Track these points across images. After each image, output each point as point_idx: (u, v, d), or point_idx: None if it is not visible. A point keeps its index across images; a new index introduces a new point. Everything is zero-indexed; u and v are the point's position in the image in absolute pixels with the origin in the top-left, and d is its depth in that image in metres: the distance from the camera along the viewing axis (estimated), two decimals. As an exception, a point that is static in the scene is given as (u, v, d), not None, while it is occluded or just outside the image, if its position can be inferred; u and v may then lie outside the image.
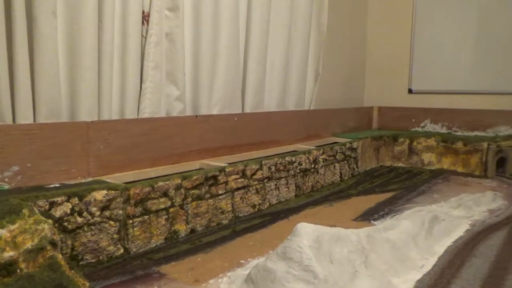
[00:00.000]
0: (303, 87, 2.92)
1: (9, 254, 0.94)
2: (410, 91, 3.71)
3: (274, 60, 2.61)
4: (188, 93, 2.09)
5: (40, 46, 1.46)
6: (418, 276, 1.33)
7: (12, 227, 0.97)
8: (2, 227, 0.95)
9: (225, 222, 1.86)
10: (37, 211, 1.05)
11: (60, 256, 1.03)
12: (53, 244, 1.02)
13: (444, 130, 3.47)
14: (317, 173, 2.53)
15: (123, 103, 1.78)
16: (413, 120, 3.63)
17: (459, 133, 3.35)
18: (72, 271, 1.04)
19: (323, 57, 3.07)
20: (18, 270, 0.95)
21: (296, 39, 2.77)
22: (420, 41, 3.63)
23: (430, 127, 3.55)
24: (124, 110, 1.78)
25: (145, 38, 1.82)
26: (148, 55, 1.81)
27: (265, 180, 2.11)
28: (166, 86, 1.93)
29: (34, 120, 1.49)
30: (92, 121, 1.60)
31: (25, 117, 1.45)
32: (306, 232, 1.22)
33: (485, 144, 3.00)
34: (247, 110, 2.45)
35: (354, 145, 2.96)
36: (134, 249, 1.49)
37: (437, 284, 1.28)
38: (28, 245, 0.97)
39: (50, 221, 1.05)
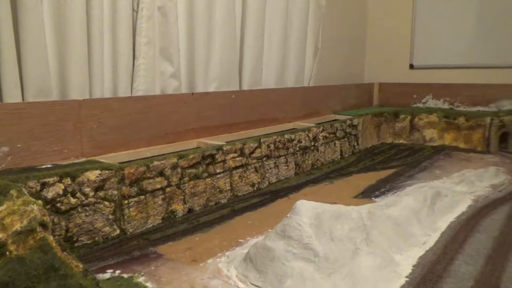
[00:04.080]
0: (302, 63, 2.85)
1: (-3, 236, 0.90)
2: (411, 66, 3.63)
3: (272, 35, 2.53)
4: (183, 70, 2.02)
5: (25, 20, 1.39)
6: (421, 252, 1.31)
7: (-1, 208, 0.93)
8: (-11, 209, 0.91)
9: (223, 201, 1.83)
10: (25, 192, 1.01)
11: (51, 238, 0.99)
12: (44, 225, 0.98)
13: (446, 106, 3.41)
14: (317, 150, 2.49)
15: (116, 80, 1.72)
16: (415, 96, 3.56)
17: (461, 109, 3.29)
18: (65, 253, 1.00)
19: (322, 32, 2.98)
20: (8, 253, 0.91)
21: (295, 13, 2.68)
22: (421, 15, 3.53)
23: (431, 102, 3.48)
24: (117, 88, 1.73)
25: (137, 12, 1.75)
26: (140, 30, 1.74)
27: (264, 159, 2.07)
28: (160, 63, 1.86)
29: (23, 99, 1.44)
30: (83, 100, 1.54)
31: (13, 96, 1.39)
32: (306, 210, 1.18)
33: (487, 119, 2.94)
34: (245, 87, 2.39)
35: (355, 122, 2.91)
36: (130, 230, 1.47)
37: (440, 260, 1.25)
38: (17, 226, 0.94)
39: (39, 202, 1.01)
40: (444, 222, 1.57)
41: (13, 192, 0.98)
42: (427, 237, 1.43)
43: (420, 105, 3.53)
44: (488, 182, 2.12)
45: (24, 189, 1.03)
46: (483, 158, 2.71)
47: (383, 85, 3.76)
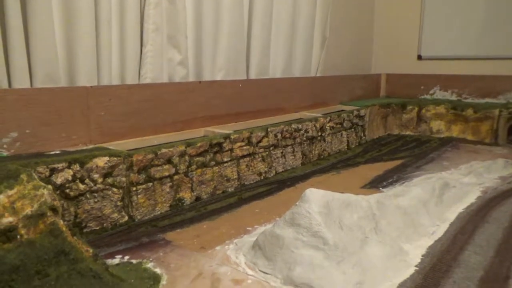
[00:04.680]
0: (310, 53, 2.82)
1: (8, 219, 0.90)
2: (419, 57, 3.59)
3: (280, 24, 2.50)
4: (191, 58, 2.01)
5: (33, 6, 1.38)
6: (430, 242, 1.30)
7: (10, 192, 0.93)
8: (0, 192, 0.91)
9: (230, 190, 1.83)
10: (36, 177, 1.01)
11: (61, 222, 0.99)
12: (54, 210, 0.98)
13: (454, 97, 3.38)
14: (324, 141, 2.48)
15: (123, 67, 1.71)
16: (422, 87, 3.53)
17: (469, 100, 3.26)
18: (75, 238, 1.01)
19: (330, 22, 2.95)
20: (19, 236, 0.91)
21: (302, 2, 2.65)
22: (430, 4, 3.48)
23: (439, 94, 3.45)
24: (125, 75, 1.72)
25: (144, -2, 1.73)
26: (148, 17, 1.73)
27: (271, 148, 2.06)
28: (167, 50, 1.85)
29: (31, 85, 1.43)
30: (91, 86, 1.54)
31: (21, 82, 1.39)
32: (315, 198, 1.18)
33: (496, 111, 2.91)
34: (252, 76, 2.37)
35: (362, 112, 2.89)
36: (138, 217, 1.47)
37: (449, 250, 1.24)
38: (28, 210, 0.94)
39: (49, 186, 1.01)
40: (452, 212, 1.56)
41: (23, 176, 0.98)
42: (435, 227, 1.43)
43: (428, 96, 3.50)
44: (497, 174, 2.10)
45: (34, 174, 1.03)
46: (491, 150, 2.69)
47: (390, 76, 3.72)
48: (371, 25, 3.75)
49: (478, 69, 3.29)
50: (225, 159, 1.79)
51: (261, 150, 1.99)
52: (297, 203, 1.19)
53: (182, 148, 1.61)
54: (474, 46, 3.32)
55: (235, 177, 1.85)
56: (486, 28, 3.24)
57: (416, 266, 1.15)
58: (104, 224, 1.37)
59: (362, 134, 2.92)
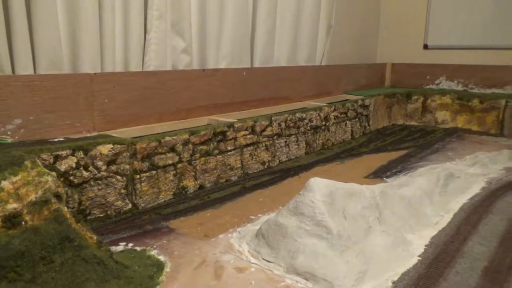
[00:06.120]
0: (315, 41, 2.79)
1: (12, 206, 0.90)
2: (425, 46, 3.54)
3: (285, 12, 2.47)
4: (195, 45, 1.99)
5: (36, -9, 1.37)
6: (433, 232, 1.30)
7: (14, 178, 0.93)
8: (4, 179, 0.91)
9: (234, 178, 1.83)
10: (40, 163, 1.01)
11: (65, 209, 1.00)
12: (58, 196, 0.99)
13: (460, 88, 3.34)
14: (328, 130, 2.46)
15: (127, 54, 1.69)
16: (428, 77, 3.49)
17: (475, 91, 3.23)
18: (79, 224, 1.01)
19: (335, 10, 2.91)
20: (23, 223, 0.92)
21: (308, -11, 2.61)
22: (437, -7, 3.43)
23: (445, 84, 3.42)
24: (128, 62, 1.70)
25: (148, -16, 1.71)
26: (151, 3, 1.71)
27: (275, 137, 2.05)
28: (171, 37, 1.83)
29: (35, 72, 1.43)
30: (95, 73, 1.53)
31: (25, 68, 1.38)
32: (319, 187, 1.17)
33: (502, 102, 2.89)
34: (256, 64, 2.35)
35: (366, 102, 2.86)
36: (142, 204, 1.47)
37: (453, 241, 1.24)
38: (32, 197, 0.94)
39: (53, 173, 1.01)
40: (457, 203, 1.56)
41: (27, 163, 0.98)
42: (439, 217, 1.42)
43: (433, 86, 3.47)
44: (502, 165, 2.09)
45: (38, 160, 1.03)
46: (497, 141, 2.67)
47: (396, 66, 3.68)
48: (377, 13, 3.70)
49: (484, 59, 3.25)
50: (229, 148, 1.79)
51: (265, 139, 1.99)
52: (300, 192, 1.19)
53: (186, 136, 1.60)
54: (481, 35, 3.27)
55: (238, 166, 1.84)
56: (493, 18, 3.19)
57: (419, 256, 1.15)
58: (108, 212, 1.38)
59: (367, 124, 2.90)
